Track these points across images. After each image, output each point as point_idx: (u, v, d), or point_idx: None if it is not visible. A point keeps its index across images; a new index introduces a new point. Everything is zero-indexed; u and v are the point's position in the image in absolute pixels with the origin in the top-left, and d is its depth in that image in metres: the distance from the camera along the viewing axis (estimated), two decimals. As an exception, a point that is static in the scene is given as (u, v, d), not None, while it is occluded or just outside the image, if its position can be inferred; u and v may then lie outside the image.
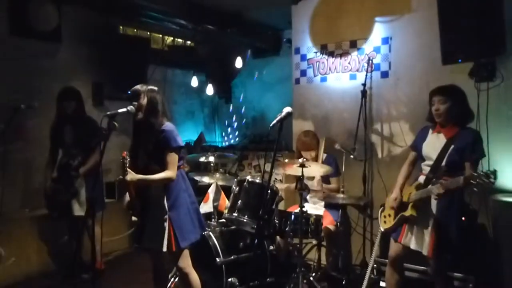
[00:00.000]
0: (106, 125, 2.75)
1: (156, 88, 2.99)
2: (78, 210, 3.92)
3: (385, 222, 3.23)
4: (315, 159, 4.01)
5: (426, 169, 3.05)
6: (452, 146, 2.88)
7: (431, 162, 2.99)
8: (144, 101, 2.88)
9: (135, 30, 5.87)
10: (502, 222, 3.48)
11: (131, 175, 2.76)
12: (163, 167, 2.85)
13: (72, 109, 3.97)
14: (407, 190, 3.08)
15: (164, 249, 2.84)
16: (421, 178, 3.06)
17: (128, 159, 2.75)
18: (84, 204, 3.91)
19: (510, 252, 3.41)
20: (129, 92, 2.95)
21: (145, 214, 2.96)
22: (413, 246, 2.98)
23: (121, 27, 5.52)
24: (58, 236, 4.28)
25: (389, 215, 3.17)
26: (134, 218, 2.97)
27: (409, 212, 2.96)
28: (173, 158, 2.86)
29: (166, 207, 2.87)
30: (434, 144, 3.00)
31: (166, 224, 2.84)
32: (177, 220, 2.87)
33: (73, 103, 3.97)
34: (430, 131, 3.10)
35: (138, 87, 2.94)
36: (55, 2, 4.40)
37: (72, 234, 4.14)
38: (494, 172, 2.53)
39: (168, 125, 2.91)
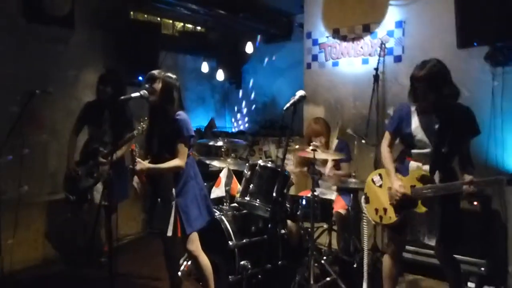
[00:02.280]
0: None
1: (174, 76, 3.00)
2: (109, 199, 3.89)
3: (381, 217, 2.90)
4: (325, 145, 4.00)
5: (420, 155, 2.78)
6: (449, 128, 2.65)
7: (426, 149, 2.74)
8: (158, 86, 2.90)
9: (145, 15, 5.85)
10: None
11: (141, 165, 2.82)
12: (174, 154, 2.90)
13: (108, 94, 3.94)
14: (405, 182, 2.78)
15: (169, 234, 2.90)
16: (414, 165, 2.79)
17: (137, 150, 2.82)
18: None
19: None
20: (140, 77, 2.98)
21: (155, 199, 3.04)
22: (426, 240, 2.79)
23: (131, 12, 5.50)
24: (74, 220, 4.33)
25: (385, 210, 2.87)
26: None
27: (421, 209, 2.69)
28: (183, 147, 2.90)
29: (174, 193, 2.92)
30: (426, 127, 2.73)
31: (173, 210, 2.91)
32: (183, 207, 2.93)
33: (108, 88, 3.94)
34: (414, 112, 2.82)
35: (155, 71, 2.96)
36: (67, -13, 4.40)
37: (94, 220, 4.16)
38: None
39: (181, 114, 2.94)
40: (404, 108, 2.89)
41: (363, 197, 3.11)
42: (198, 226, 3.00)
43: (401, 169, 2.87)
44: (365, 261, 3.41)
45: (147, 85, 2.90)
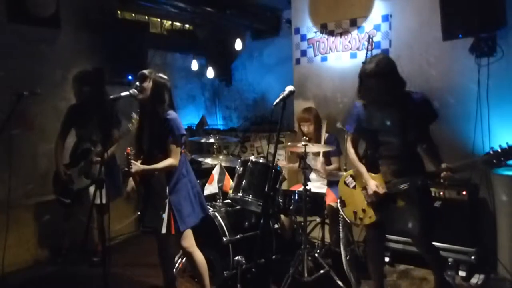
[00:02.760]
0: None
1: (165, 77, 3.02)
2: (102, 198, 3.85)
3: (361, 218, 2.91)
4: (315, 134, 4.03)
5: (385, 150, 2.79)
6: (405, 119, 2.65)
7: (390, 143, 2.74)
8: (149, 85, 2.91)
9: (133, 14, 5.83)
10: (502, 196, 3.53)
11: (136, 167, 2.83)
12: (165, 153, 2.93)
13: (86, 94, 3.92)
14: (378, 179, 2.80)
15: (164, 231, 2.93)
16: (382, 161, 2.81)
17: (133, 152, 2.83)
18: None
19: (508, 225, 3.48)
20: (130, 76, 2.99)
21: (148, 198, 3.07)
22: (411, 231, 2.81)
23: (119, 11, 5.48)
24: (64, 221, 4.31)
25: (363, 210, 2.89)
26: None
27: (400, 203, 2.72)
28: (175, 146, 2.93)
29: (167, 191, 2.95)
30: (383, 121, 2.73)
31: (166, 208, 2.94)
32: (176, 204, 2.96)
33: (85, 88, 3.92)
34: (368, 109, 2.81)
35: (146, 71, 2.96)
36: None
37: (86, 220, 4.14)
38: None
39: (171, 113, 2.96)
40: (360, 107, 2.88)
41: (338, 201, 3.10)
42: (191, 223, 3.02)
43: (371, 166, 2.87)
44: (345, 263, 3.43)
45: (137, 84, 2.91)
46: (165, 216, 2.93)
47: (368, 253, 3.16)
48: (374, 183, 2.79)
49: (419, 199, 2.73)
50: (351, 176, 3.00)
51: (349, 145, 3.02)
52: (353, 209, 2.96)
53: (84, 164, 3.96)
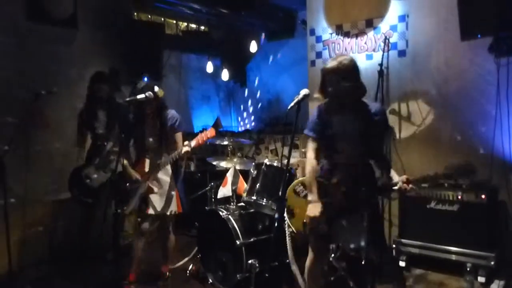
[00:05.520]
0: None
1: None
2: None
3: None
4: None
5: (336, 157, 2.62)
6: (363, 126, 2.53)
7: (343, 150, 2.61)
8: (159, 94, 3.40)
9: (149, 16, 5.88)
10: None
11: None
12: (167, 141, 3.47)
13: (106, 93, 4.12)
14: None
15: (178, 211, 3.51)
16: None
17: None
18: None
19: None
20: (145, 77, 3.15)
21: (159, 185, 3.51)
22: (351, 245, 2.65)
23: (135, 13, 5.53)
24: (79, 219, 4.36)
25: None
26: (156, 190, 3.46)
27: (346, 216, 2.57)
28: (182, 137, 3.49)
29: (174, 179, 3.51)
30: (341, 127, 2.59)
31: (174, 193, 3.48)
32: (181, 189, 3.59)
33: (106, 87, 4.11)
34: (328, 112, 2.65)
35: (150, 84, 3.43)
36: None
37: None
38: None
39: (173, 111, 3.51)
40: (322, 109, 2.69)
41: (285, 210, 2.89)
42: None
43: (325, 174, 2.68)
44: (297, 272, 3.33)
45: (150, 92, 3.27)
46: (175, 200, 3.47)
47: (308, 267, 2.88)
48: (317, 211, 2.55)
49: (368, 215, 2.48)
50: (302, 184, 2.79)
51: (311, 155, 2.69)
52: (303, 219, 2.69)
53: (100, 160, 4.06)
